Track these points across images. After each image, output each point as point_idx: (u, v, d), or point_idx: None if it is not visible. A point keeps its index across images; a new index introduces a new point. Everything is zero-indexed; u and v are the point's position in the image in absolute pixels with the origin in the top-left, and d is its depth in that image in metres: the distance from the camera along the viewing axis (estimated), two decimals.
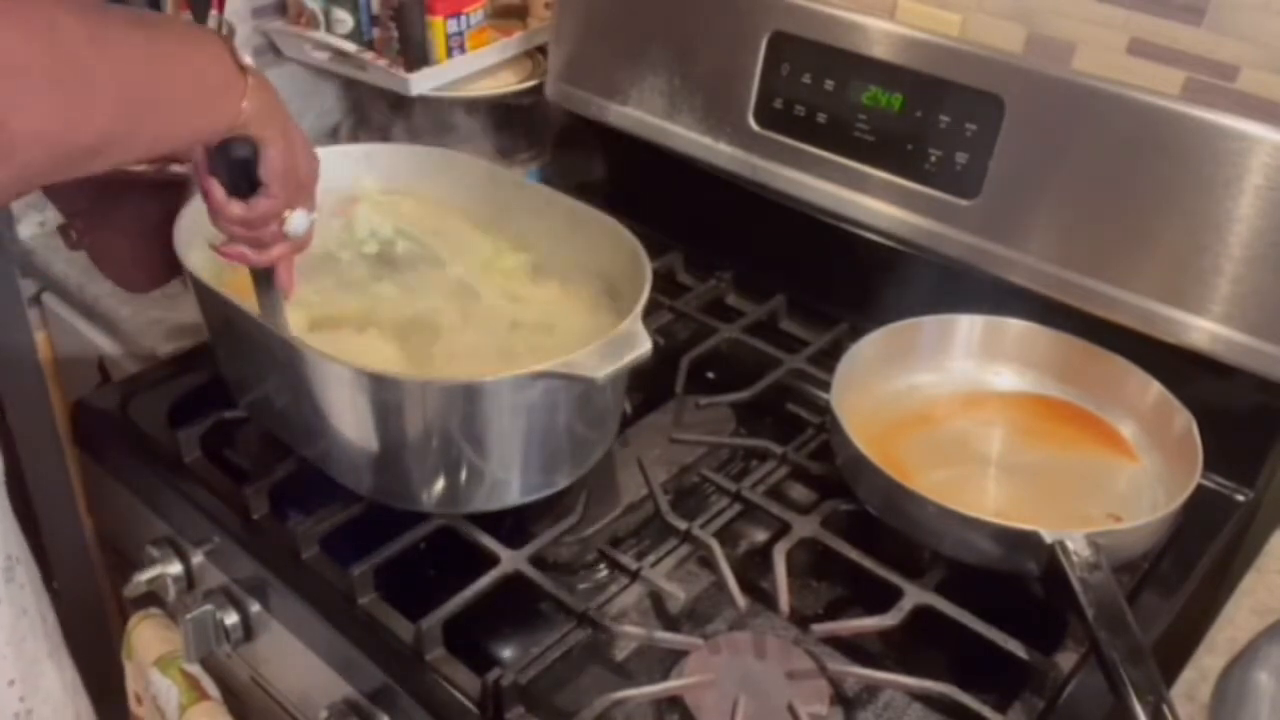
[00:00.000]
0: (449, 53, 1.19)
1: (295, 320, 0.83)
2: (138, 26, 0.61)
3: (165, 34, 0.64)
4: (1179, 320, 0.87)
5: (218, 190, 0.73)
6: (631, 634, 0.75)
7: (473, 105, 1.21)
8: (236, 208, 0.73)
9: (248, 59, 0.69)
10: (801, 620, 0.78)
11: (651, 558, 0.81)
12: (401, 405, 0.76)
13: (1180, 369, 0.87)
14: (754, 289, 1.11)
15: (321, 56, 1.25)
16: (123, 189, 0.97)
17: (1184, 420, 0.84)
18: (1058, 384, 0.93)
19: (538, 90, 1.22)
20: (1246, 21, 0.88)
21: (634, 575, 0.80)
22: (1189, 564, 0.83)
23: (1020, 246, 0.92)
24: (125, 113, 0.60)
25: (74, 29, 0.56)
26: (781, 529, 0.83)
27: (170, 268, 1.04)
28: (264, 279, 0.79)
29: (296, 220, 0.75)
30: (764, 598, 0.80)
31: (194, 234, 0.86)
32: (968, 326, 0.95)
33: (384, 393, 0.76)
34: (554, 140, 1.14)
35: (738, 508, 0.86)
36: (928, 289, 0.98)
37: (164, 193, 0.94)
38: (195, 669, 0.91)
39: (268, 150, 0.71)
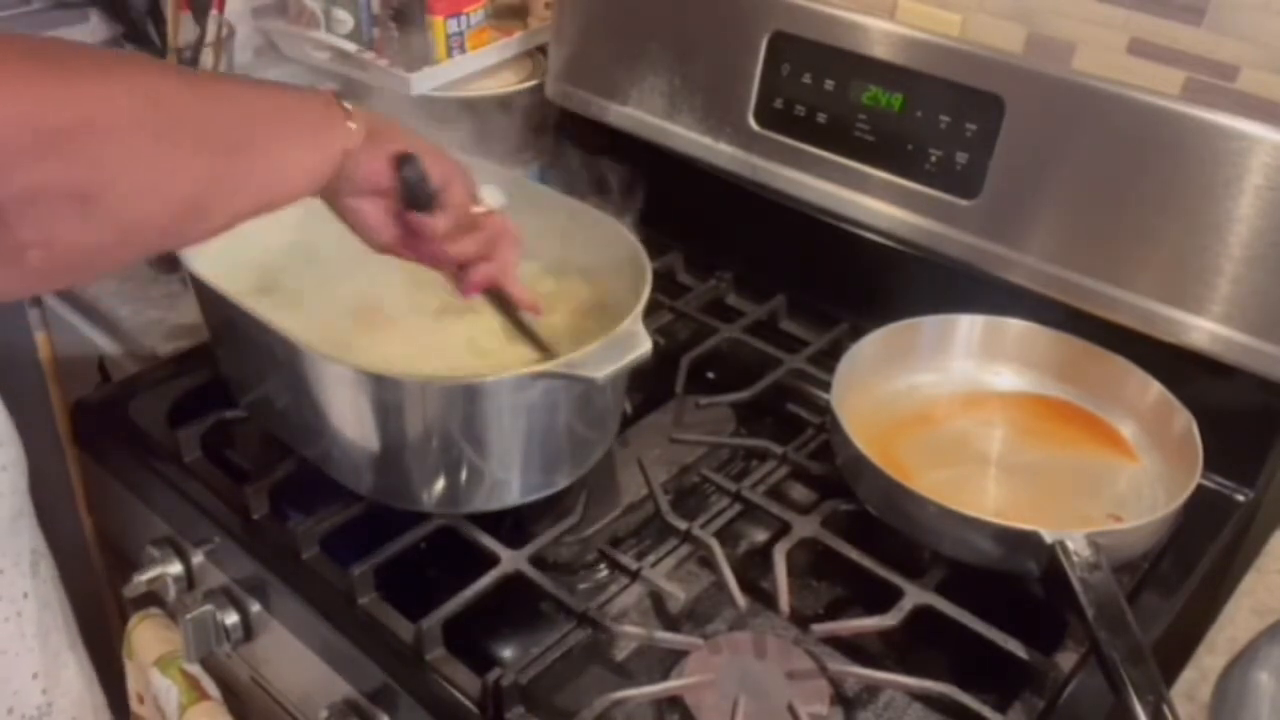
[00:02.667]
0: (449, 52, 1.19)
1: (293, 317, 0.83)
2: (226, 82, 0.62)
3: (255, 85, 0.64)
4: (1179, 320, 0.87)
5: (428, 222, 0.70)
6: (632, 634, 0.75)
7: (473, 105, 1.21)
8: (444, 219, 0.70)
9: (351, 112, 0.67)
10: (802, 620, 0.78)
11: (652, 558, 0.81)
12: (401, 405, 0.76)
13: (1180, 369, 0.87)
14: (754, 289, 1.11)
15: (322, 56, 1.25)
16: None
17: (1184, 420, 0.84)
18: (1058, 384, 0.93)
19: (538, 90, 1.22)
20: (1247, 21, 0.88)
21: (634, 575, 0.80)
22: (1189, 564, 0.83)
23: (1020, 246, 0.92)
24: (223, 156, 0.59)
25: (175, 85, 0.57)
26: (782, 529, 0.83)
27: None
28: (511, 317, 0.77)
29: (488, 193, 0.74)
30: (764, 598, 0.80)
31: None
32: (968, 326, 0.95)
33: (384, 393, 0.76)
34: (554, 140, 1.14)
35: (738, 508, 0.86)
36: (928, 289, 0.98)
37: None
38: (195, 669, 0.91)
39: (419, 147, 0.69)
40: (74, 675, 0.88)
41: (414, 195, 0.69)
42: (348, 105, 0.67)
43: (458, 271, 0.74)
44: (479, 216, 0.74)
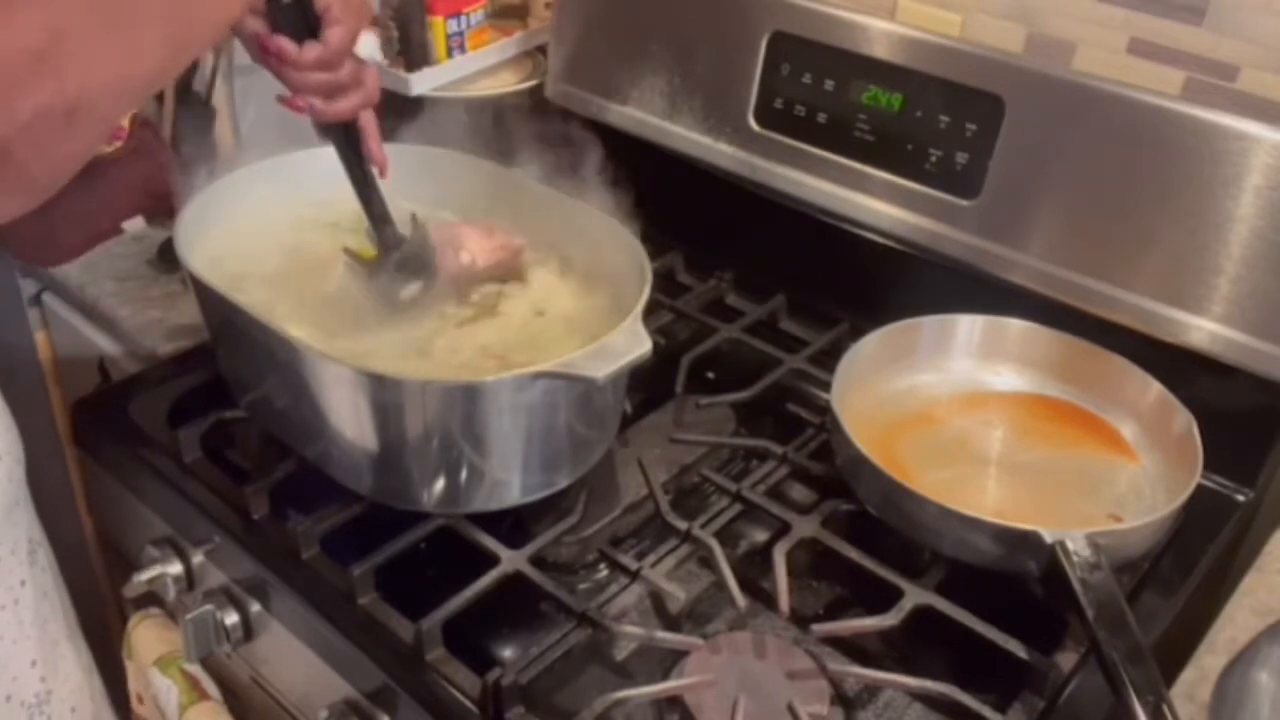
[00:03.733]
0: (449, 52, 1.19)
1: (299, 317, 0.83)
2: None
3: None
4: (1179, 320, 0.87)
5: (288, 44, 0.73)
6: (632, 634, 0.75)
7: (473, 105, 1.21)
8: (311, 51, 0.73)
9: None
10: (802, 620, 0.78)
11: (652, 558, 0.81)
12: (401, 405, 0.76)
13: (1180, 369, 0.87)
14: (754, 289, 1.11)
15: None
16: None
17: (1184, 420, 0.84)
18: (1058, 384, 0.93)
19: (538, 90, 1.22)
20: (1247, 21, 0.88)
21: (634, 575, 0.80)
22: (1189, 564, 0.83)
23: (1020, 246, 0.92)
24: (174, 34, 0.61)
25: None
26: (782, 529, 0.83)
27: (88, 237, 1.13)
28: (356, 169, 0.81)
29: (367, 43, 0.76)
30: (764, 598, 0.80)
31: (196, 235, 0.86)
32: (968, 326, 0.95)
33: (384, 393, 0.76)
34: (554, 140, 1.14)
35: (738, 508, 0.86)
36: (928, 289, 0.98)
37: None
38: (195, 669, 0.91)
39: None
40: (72, 664, 0.88)
41: (284, 21, 0.72)
42: None
43: (318, 102, 0.78)
44: (352, 63, 0.76)
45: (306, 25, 0.73)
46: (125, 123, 1.12)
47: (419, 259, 0.86)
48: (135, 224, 1.11)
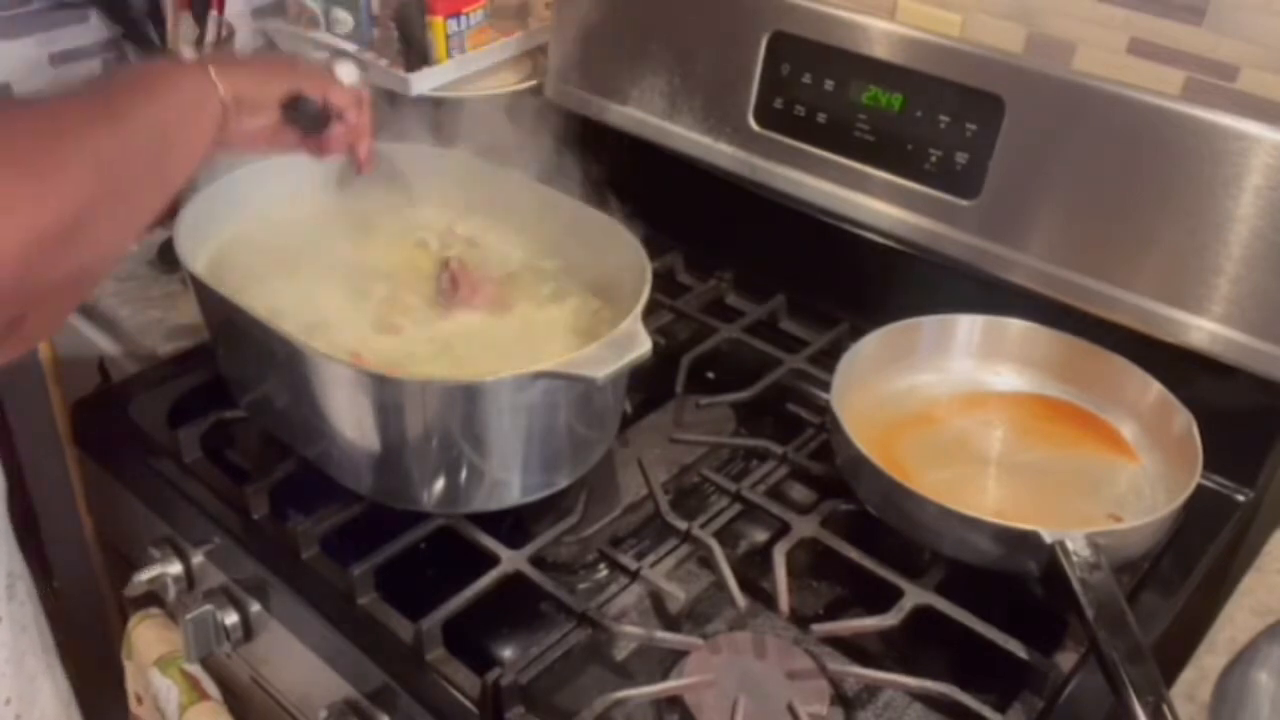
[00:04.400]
0: (449, 53, 1.19)
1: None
2: (90, 94, 0.63)
3: (142, 85, 0.66)
4: (1179, 320, 0.87)
5: (333, 138, 0.82)
6: (631, 634, 0.75)
7: (473, 105, 1.21)
8: (341, 128, 0.82)
9: (185, 53, 0.74)
10: (801, 620, 0.78)
11: (651, 558, 0.81)
12: (401, 405, 0.76)
13: (1180, 369, 0.87)
14: (754, 289, 1.11)
15: (321, 56, 1.25)
16: None
17: (1184, 420, 0.84)
18: (1058, 384, 0.93)
19: (538, 90, 1.22)
20: (1247, 21, 0.88)
21: (634, 575, 0.80)
22: (1189, 564, 0.83)
23: (1020, 246, 0.92)
24: (158, 174, 0.65)
25: (21, 117, 0.58)
26: (781, 529, 0.83)
27: None
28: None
29: (344, 70, 0.83)
30: (764, 598, 0.80)
31: (196, 235, 0.86)
32: (968, 326, 0.95)
33: (384, 393, 0.76)
34: (554, 140, 1.14)
35: (738, 508, 0.86)
36: (928, 289, 0.98)
37: None
38: (195, 669, 0.91)
39: (291, 79, 0.78)
40: (49, 698, 0.87)
41: (312, 124, 0.80)
42: (210, 69, 0.71)
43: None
44: (351, 97, 0.83)
45: (325, 119, 0.81)
46: None
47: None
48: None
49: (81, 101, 0.62)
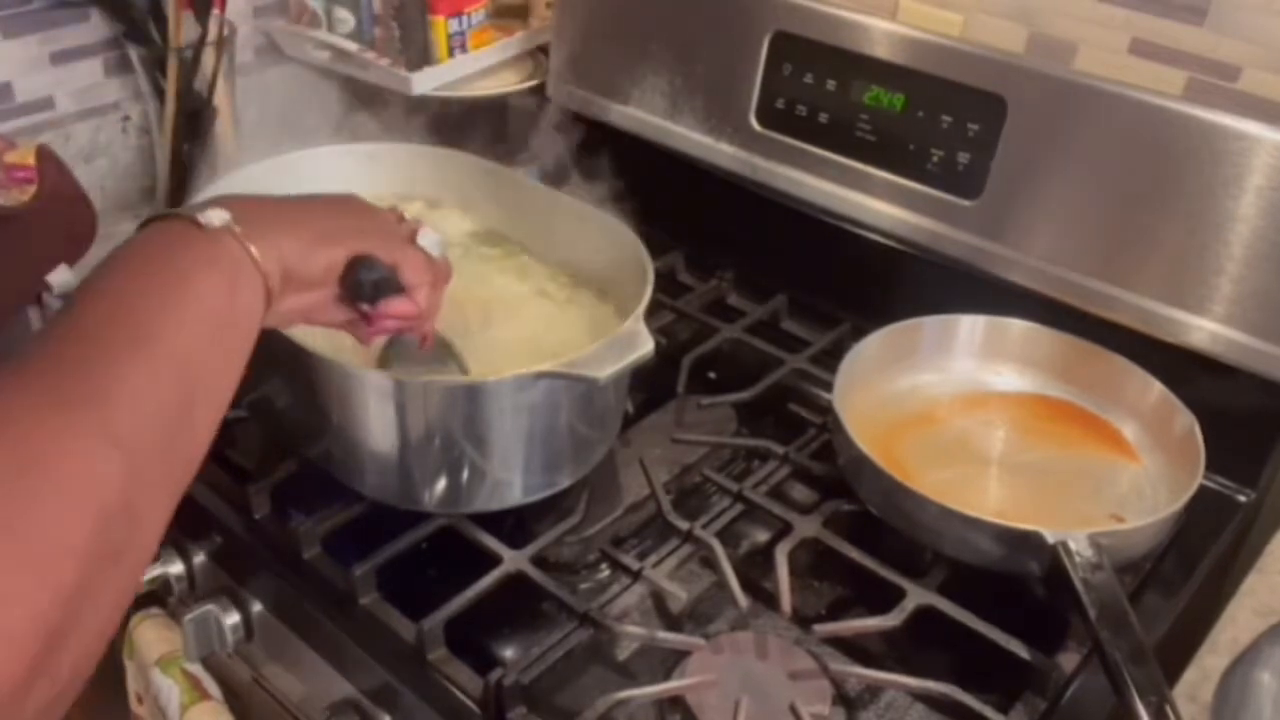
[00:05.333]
0: (450, 52, 1.19)
1: None
2: (158, 320, 0.51)
3: (179, 298, 0.52)
4: (1180, 320, 0.87)
5: (402, 308, 0.67)
6: (633, 634, 0.75)
7: (474, 105, 1.21)
8: (404, 307, 0.67)
9: (211, 219, 0.56)
10: (803, 620, 0.78)
11: (653, 558, 0.81)
12: (403, 405, 0.76)
13: (1182, 369, 0.87)
14: (755, 289, 1.11)
15: (323, 56, 1.25)
16: None
17: (1186, 421, 0.84)
18: (1059, 384, 0.93)
19: (539, 90, 1.22)
20: (1248, 22, 0.88)
21: (636, 575, 0.79)
22: (1191, 564, 0.83)
23: (1022, 247, 0.93)
24: (204, 406, 0.53)
25: (147, 406, 0.48)
26: (783, 529, 0.83)
27: (7, 306, 0.97)
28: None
29: (426, 238, 0.69)
30: (766, 598, 0.80)
31: None
32: (969, 326, 0.95)
33: (385, 393, 0.76)
34: (555, 140, 1.14)
35: (739, 508, 0.86)
36: (929, 289, 0.98)
37: None
38: (196, 669, 0.91)
39: (353, 242, 0.65)
40: None
41: (370, 292, 0.65)
42: (250, 248, 0.57)
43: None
44: (428, 273, 0.69)
45: (390, 284, 0.67)
46: (31, 159, 0.95)
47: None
48: (60, 276, 0.96)
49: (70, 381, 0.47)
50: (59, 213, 0.97)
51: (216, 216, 0.56)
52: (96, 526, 0.43)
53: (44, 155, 0.97)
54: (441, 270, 0.70)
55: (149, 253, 0.54)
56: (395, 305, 0.66)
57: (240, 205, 0.58)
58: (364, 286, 0.64)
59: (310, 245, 0.61)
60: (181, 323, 0.52)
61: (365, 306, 0.65)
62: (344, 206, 0.67)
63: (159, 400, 0.49)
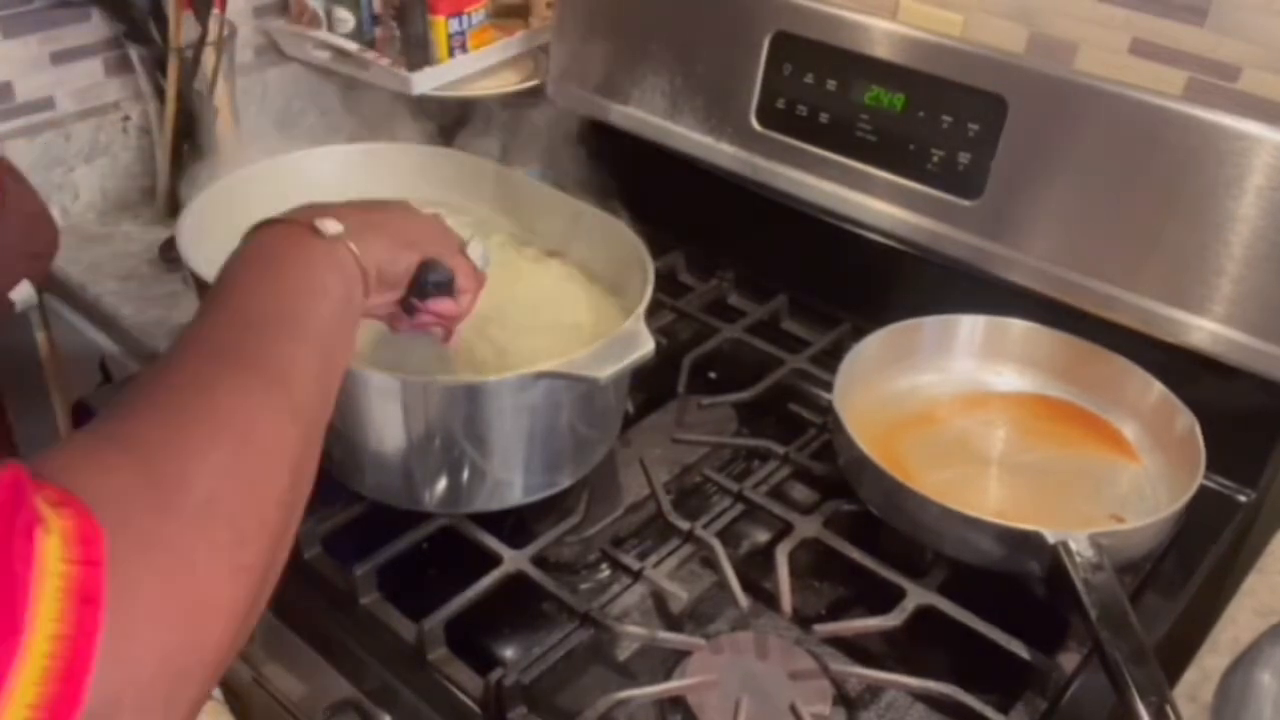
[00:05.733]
0: (451, 52, 1.19)
1: None
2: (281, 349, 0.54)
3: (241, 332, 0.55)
4: (1181, 321, 0.87)
5: (451, 308, 0.72)
6: (634, 634, 0.75)
7: (474, 105, 1.21)
8: (445, 307, 0.72)
9: (327, 227, 0.62)
10: (804, 621, 0.78)
11: (654, 558, 0.81)
12: (404, 405, 0.76)
13: (1182, 369, 0.87)
14: (756, 289, 1.11)
15: (323, 56, 1.25)
16: None
17: (1186, 421, 0.84)
18: (1059, 384, 0.93)
19: (539, 90, 1.22)
20: (1248, 22, 0.88)
21: (636, 575, 0.79)
22: (1191, 565, 0.83)
23: (1022, 247, 0.93)
24: (317, 422, 0.55)
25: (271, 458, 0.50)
26: (784, 529, 0.83)
27: None
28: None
29: (476, 250, 0.75)
30: (766, 598, 0.80)
31: (198, 234, 0.86)
32: (970, 326, 0.95)
33: (386, 392, 0.76)
34: (555, 140, 1.14)
35: (740, 508, 0.86)
36: (930, 289, 0.98)
37: None
38: None
39: (424, 247, 0.70)
40: None
41: (431, 291, 0.71)
42: (350, 245, 0.63)
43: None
44: (475, 279, 0.75)
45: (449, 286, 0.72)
46: None
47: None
48: (23, 293, 0.92)
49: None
50: (19, 228, 0.92)
51: (331, 226, 0.62)
52: (291, 483, 0.50)
53: (6, 168, 0.93)
54: (481, 279, 0.76)
55: (282, 253, 0.61)
56: (442, 304, 0.72)
57: (340, 214, 0.63)
58: (428, 287, 0.70)
59: (396, 250, 0.67)
60: (321, 314, 0.58)
61: (415, 301, 0.71)
62: (411, 213, 0.72)
63: (317, 379, 0.55)
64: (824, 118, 1.01)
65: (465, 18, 1.19)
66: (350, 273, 0.62)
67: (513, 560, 0.79)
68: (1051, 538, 0.74)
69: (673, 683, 0.72)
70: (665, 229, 1.02)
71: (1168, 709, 0.64)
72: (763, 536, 0.86)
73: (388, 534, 0.80)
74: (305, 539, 0.80)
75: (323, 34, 1.23)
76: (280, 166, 0.95)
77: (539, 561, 0.79)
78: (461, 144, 1.00)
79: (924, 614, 0.76)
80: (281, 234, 0.62)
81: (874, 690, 0.74)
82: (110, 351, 1.12)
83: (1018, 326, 0.94)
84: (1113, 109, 0.86)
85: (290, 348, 0.55)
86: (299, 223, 0.62)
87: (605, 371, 0.73)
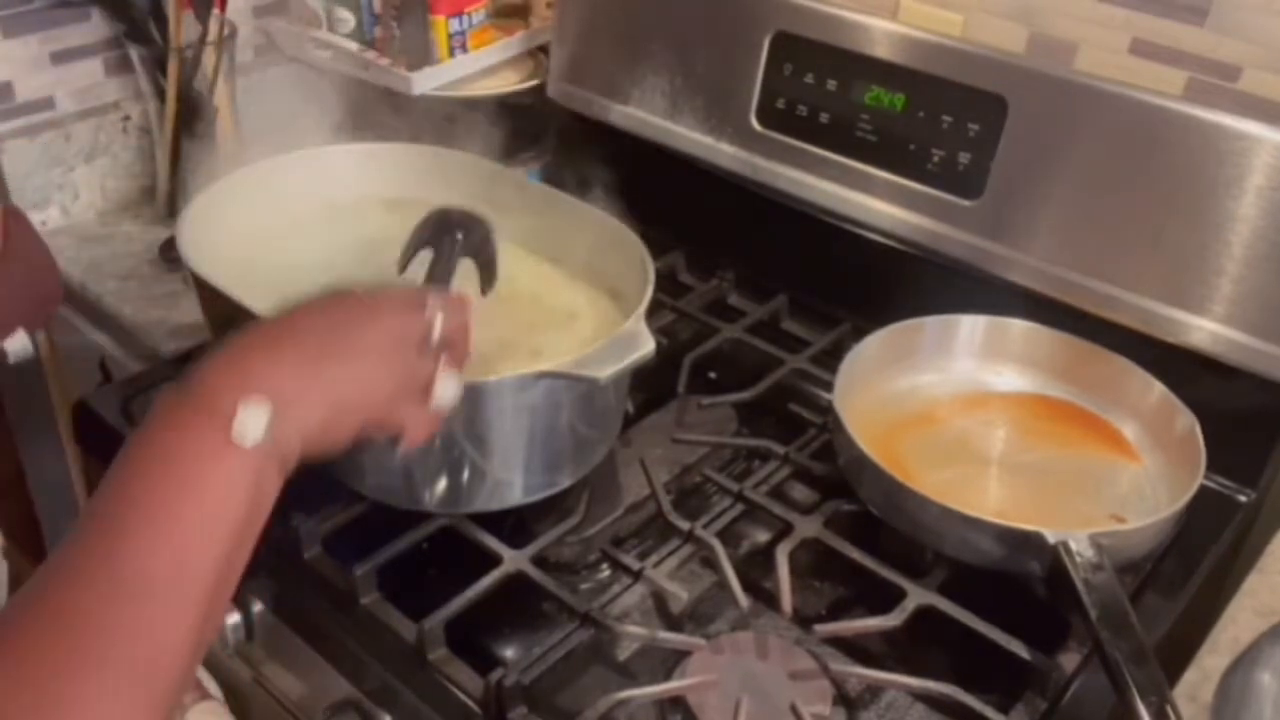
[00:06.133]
0: (451, 52, 1.19)
1: None
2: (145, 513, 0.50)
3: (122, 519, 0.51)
4: (1181, 321, 0.87)
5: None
6: (634, 634, 0.75)
7: (474, 105, 1.21)
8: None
9: (246, 433, 0.53)
10: (804, 621, 0.78)
11: (654, 558, 0.81)
12: None
13: (1182, 369, 0.87)
14: (756, 289, 1.11)
15: (323, 55, 1.25)
16: None
17: (1186, 421, 0.84)
18: (1060, 384, 0.93)
19: (540, 90, 1.22)
20: (1249, 22, 0.88)
21: (636, 575, 0.79)
22: (1192, 565, 0.83)
23: (1023, 247, 0.93)
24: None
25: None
26: (784, 529, 0.83)
27: None
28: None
29: (447, 389, 0.66)
30: (766, 598, 0.80)
31: (198, 233, 0.86)
32: (970, 326, 0.95)
33: None
34: (556, 140, 1.15)
35: (740, 508, 0.86)
36: (930, 289, 0.98)
37: None
38: (197, 668, 0.91)
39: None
40: None
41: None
42: (272, 440, 0.55)
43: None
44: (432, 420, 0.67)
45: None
46: None
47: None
48: (18, 343, 0.89)
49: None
50: (23, 277, 0.88)
51: (251, 425, 0.53)
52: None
53: (13, 215, 0.89)
54: (437, 422, 0.67)
55: (182, 470, 0.53)
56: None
57: (274, 372, 0.55)
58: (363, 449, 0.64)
59: (334, 419, 0.59)
60: (217, 538, 0.53)
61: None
62: (368, 346, 0.61)
63: (188, 637, 0.50)
64: (824, 118, 1.01)
65: (465, 18, 1.19)
66: (266, 484, 0.56)
67: (513, 560, 0.79)
68: (1052, 538, 0.74)
69: (673, 683, 0.72)
70: (665, 229, 1.02)
71: (1168, 709, 0.64)
72: (763, 536, 0.86)
73: (388, 534, 0.80)
74: (306, 539, 0.81)
75: (323, 34, 1.23)
76: (280, 166, 0.95)
77: (539, 561, 0.79)
78: (461, 144, 0.99)
79: (924, 614, 0.76)
80: (190, 432, 0.53)
81: (874, 690, 0.74)
82: (110, 351, 1.12)
83: (1018, 326, 0.94)
84: (1113, 109, 0.86)
85: (163, 611, 0.49)
86: (215, 414, 0.53)
87: (605, 371, 0.73)
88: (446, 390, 0.65)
